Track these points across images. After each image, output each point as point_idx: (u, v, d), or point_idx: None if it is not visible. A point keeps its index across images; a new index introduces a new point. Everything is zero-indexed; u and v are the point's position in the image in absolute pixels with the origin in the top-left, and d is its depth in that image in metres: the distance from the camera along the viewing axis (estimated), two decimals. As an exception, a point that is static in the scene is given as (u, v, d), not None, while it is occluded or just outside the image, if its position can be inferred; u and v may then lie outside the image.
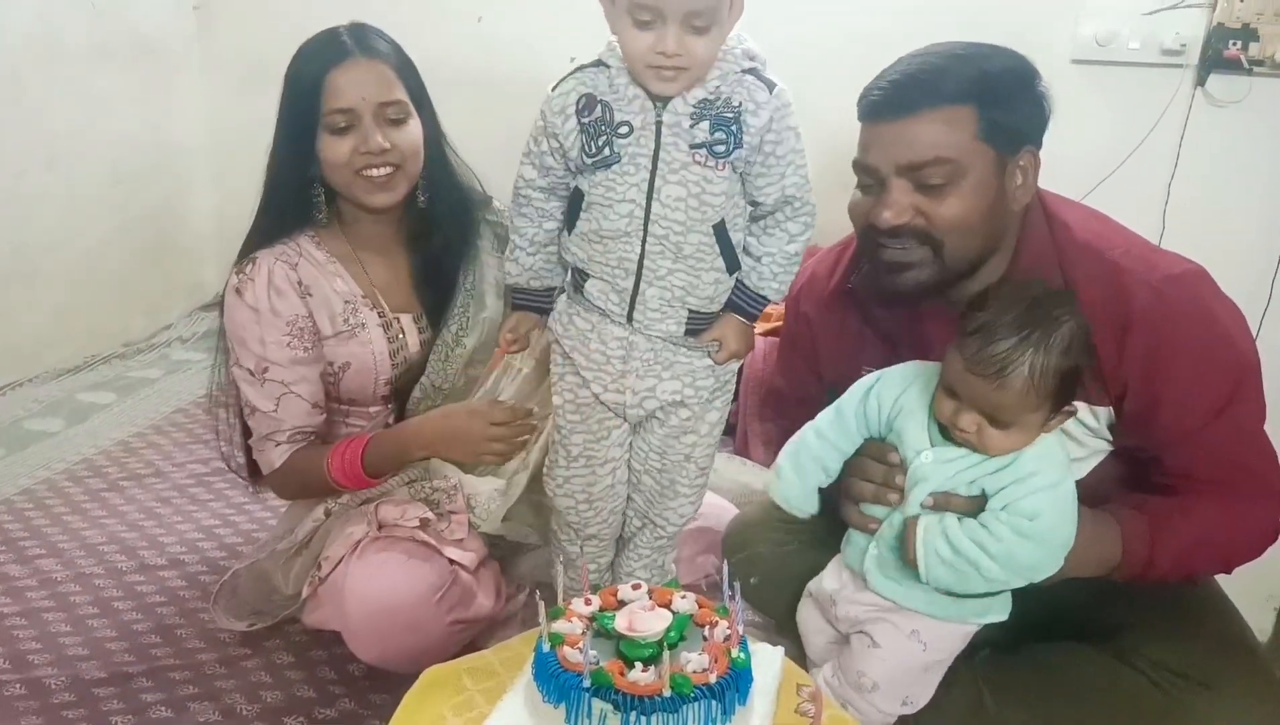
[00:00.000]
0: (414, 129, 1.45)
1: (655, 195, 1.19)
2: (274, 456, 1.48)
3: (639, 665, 0.89)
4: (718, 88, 1.17)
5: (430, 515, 1.46)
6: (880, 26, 2.38)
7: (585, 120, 1.19)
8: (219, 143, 2.96)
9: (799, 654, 1.35)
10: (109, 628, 1.58)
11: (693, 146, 1.17)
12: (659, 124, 1.17)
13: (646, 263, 1.23)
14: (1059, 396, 1.09)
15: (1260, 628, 2.43)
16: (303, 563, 1.52)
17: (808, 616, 1.34)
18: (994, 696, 1.27)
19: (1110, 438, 1.25)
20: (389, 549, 1.41)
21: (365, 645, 1.39)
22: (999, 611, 1.21)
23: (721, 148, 1.17)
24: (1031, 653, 1.29)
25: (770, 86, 1.18)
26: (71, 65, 2.51)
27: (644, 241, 1.21)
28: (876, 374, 1.25)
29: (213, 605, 1.56)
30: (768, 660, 1.01)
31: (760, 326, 2.29)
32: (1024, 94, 1.20)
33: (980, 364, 1.07)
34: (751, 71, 1.19)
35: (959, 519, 1.13)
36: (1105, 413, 1.23)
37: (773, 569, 1.47)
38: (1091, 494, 1.19)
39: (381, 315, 1.51)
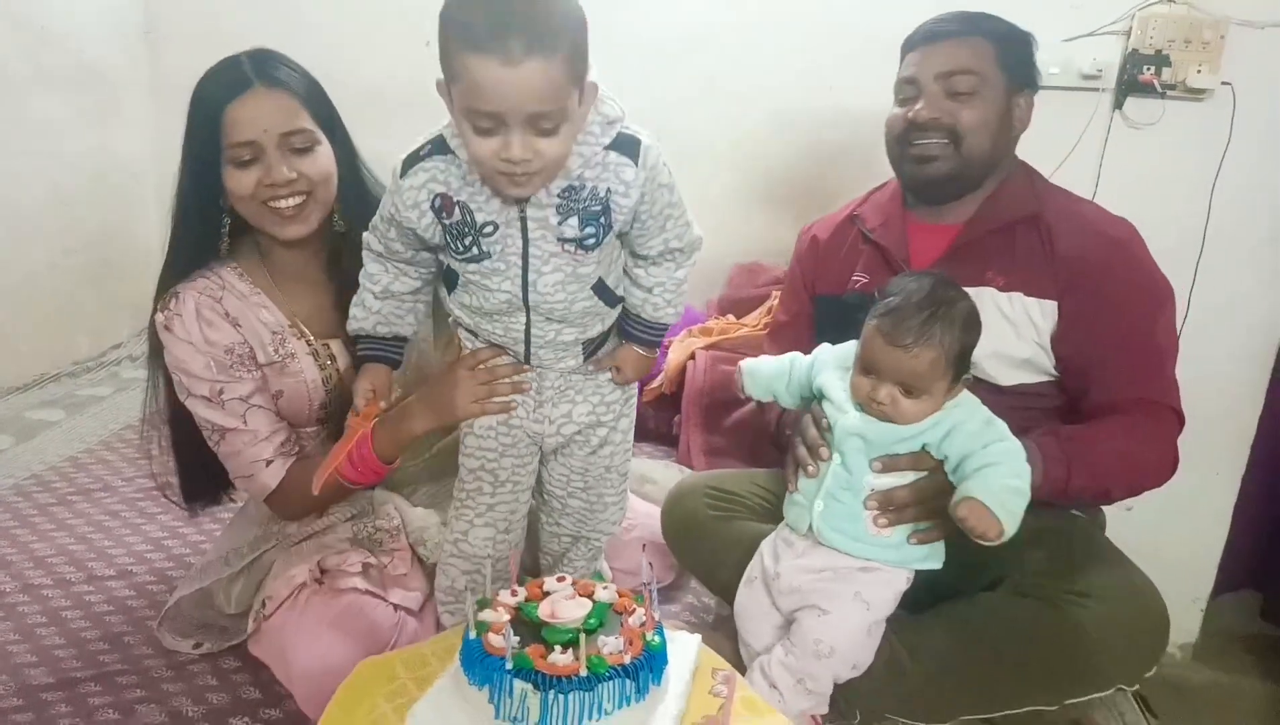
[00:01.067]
0: (322, 156, 1.42)
1: (531, 285, 1.20)
2: (268, 478, 1.45)
3: (559, 649, 0.95)
4: (581, 174, 1.13)
5: (372, 560, 1.46)
6: (793, 58, 2.50)
7: (446, 222, 1.17)
8: (166, 166, 2.97)
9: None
10: (57, 636, 1.60)
11: (561, 241, 1.17)
12: (524, 219, 1.16)
13: (534, 331, 1.26)
14: (959, 366, 1.26)
15: (1187, 628, 2.54)
16: (244, 585, 1.53)
17: (749, 602, 1.40)
18: (910, 655, 1.35)
19: (1047, 350, 1.49)
20: (331, 608, 1.38)
21: (314, 710, 1.34)
22: (935, 559, 1.32)
23: (592, 241, 1.17)
24: (938, 610, 1.39)
25: (635, 155, 1.14)
26: (17, 90, 2.51)
27: (527, 316, 1.24)
28: (826, 347, 1.42)
29: (158, 629, 1.56)
30: (684, 646, 1.07)
31: (702, 340, 2.38)
32: (1027, 48, 1.59)
33: (897, 336, 1.23)
34: (615, 145, 1.14)
35: (983, 475, 1.22)
36: (1051, 308, 1.48)
37: (709, 532, 1.56)
38: (1017, 432, 1.31)
39: (309, 343, 1.51)
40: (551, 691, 0.91)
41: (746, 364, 1.47)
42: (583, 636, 0.93)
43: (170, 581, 1.74)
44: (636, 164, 1.14)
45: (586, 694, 0.91)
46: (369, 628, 1.38)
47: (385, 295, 1.29)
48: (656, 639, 0.98)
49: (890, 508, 1.29)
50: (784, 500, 1.39)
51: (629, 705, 0.93)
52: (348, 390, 1.49)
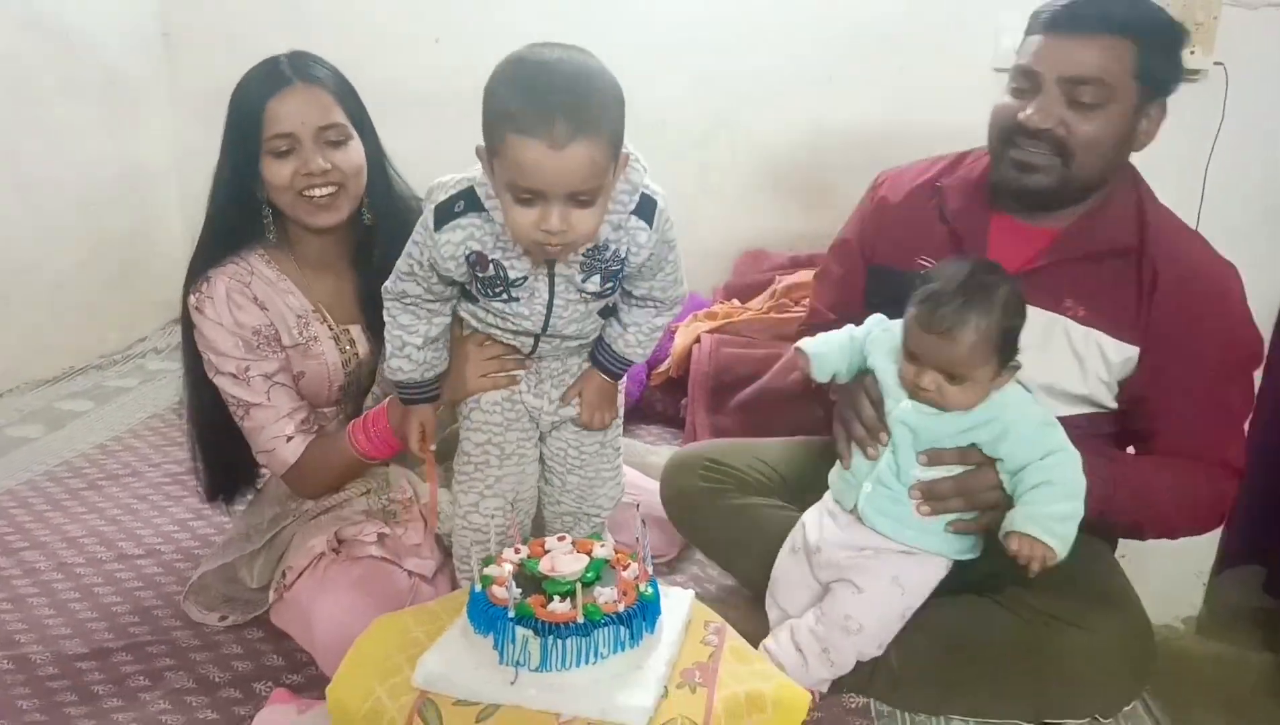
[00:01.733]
0: (354, 150, 1.51)
1: (551, 320, 1.28)
2: (287, 454, 1.53)
3: (558, 599, 1.01)
4: (606, 239, 1.20)
5: (386, 529, 1.54)
6: (799, 49, 2.55)
7: (480, 274, 1.23)
8: (186, 167, 3.05)
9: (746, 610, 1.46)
10: (90, 610, 1.67)
11: (582, 291, 1.25)
12: (552, 276, 1.24)
13: (542, 343, 1.33)
14: (1003, 351, 1.24)
15: (1190, 601, 2.57)
16: (265, 560, 1.61)
17: (789, 569, 1.41)
18: (897, 654, 1.36)
19: (1112, 387, 1.41)
20: (349, 574, 1.47)
21: (333, 668, 1.34)
22: (974, 550, 1.34)
23: (610, 291, 1.27)
24: (928, 609, 1.37)
25: (651, 218, 1.20)
26: (42, 97, 2.60)
27: (541, 335, 1.31)
28: (883, 324, 1.38)
29: (184, 601, 1.64)
30: (678, 599, 1.13)
31: (707, 324, 2.44)
32: (1175, 48, 1.38)
33: (934, 321, 1.22)
34: (636, 209, 1.19)
35: (1033, 499, 1.22)
36: (1132, 353, 1.39)
37: (702, 504, 1.57)
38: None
39: (331, 328, 1.59)
40: (551, 637, 0.97)
41: (812, 347, 1.39)
42: (579, 586, 1.00)
43: (196, 559, 1.81)
44: (651, 227, 1.20)
45: (583, 639, 0.98)
46: (387, 590, 1.46)
47: (427, 343, 1.33)
48: (650, 590, 1.04)
49: (933, 498, 1.29)
50: (831, 472, 1.39)
51: (623, 650, 1.00)
52: (365, 373, 1.60)
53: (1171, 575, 2.47)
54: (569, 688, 0.98)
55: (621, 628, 0.99)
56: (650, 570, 1.06)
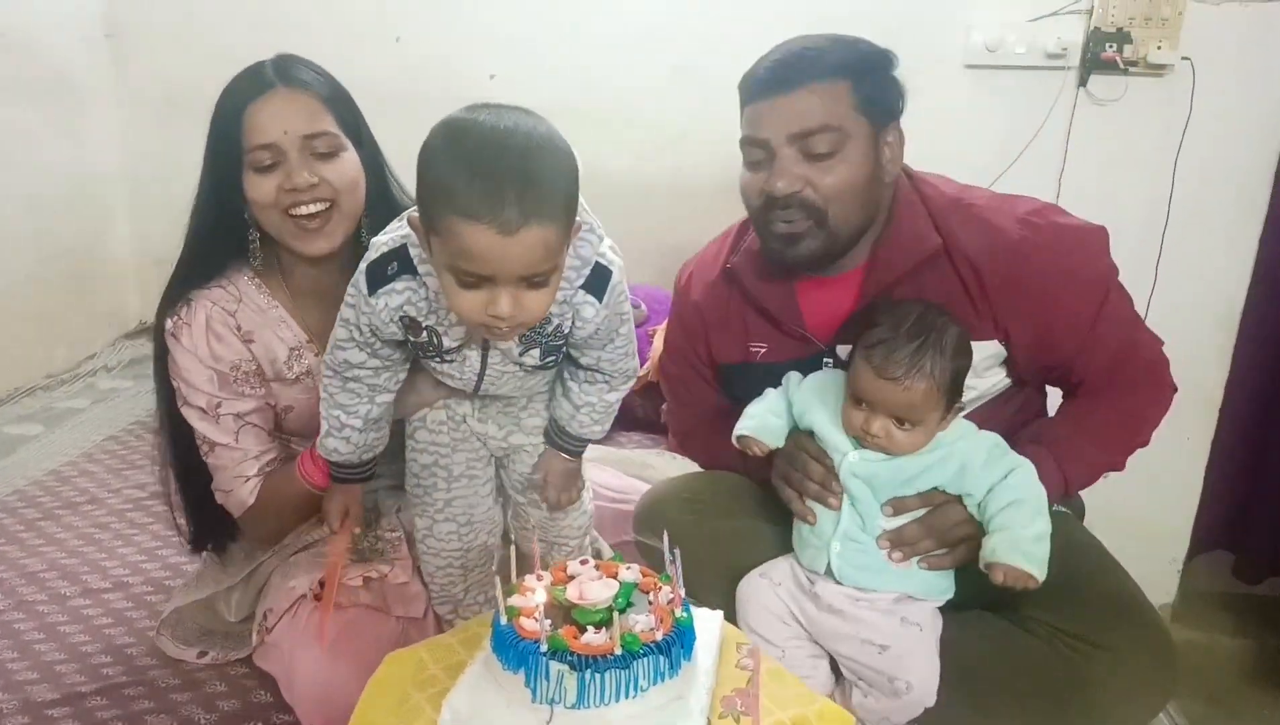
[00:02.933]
0: (347, 162, 1.36)
1: (484, 386, 1.23)
2: (244, 494, 1.42)
3: (591, 629, 0.96)
4: (549, 314, 1.11)
5: (372, 573, 1.42)
6: (776, 41, 2.52)
7: (411, 338, 1.17)
8: (136, 172, 2.94)
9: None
10: (57, 651, 1.58)
11: (519, 364, 1.19)
12: (486, 345, 1.18)
13: (484, 390, 1.26)
14: (952, 393, 1.25)
15: (1166, 589, 2.60)
16: (244, 593, 1.52)
17: (768, 600, 1.35)
18: None
19: (995, 372, 1.41)
20: (334, 622, 1.34)
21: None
22: (949, 589, 1.33)
23: (551, 362, 1.21)
24: (948, 634, 1.33)
25: (602, 293, 1.12)
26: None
27: (478, 388, 1.25)
28: (797, 375, 1.39)
29: (157, 637, 1.54)
30: (709, 621, 1.09)
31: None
32: (888, 73, 1.37)
33: (888, 368, 1.21)
34: (585, 283, 1.12)
35: (1005, 525, 1.23)
36: (994, 346, 1.38)
37: (680, 538, 1.51)
38: (1000, 429, 1.32)
39: None
40: (588, 671, 0.92)
41: (751, 426, 1.36)
42: (616, 615, 0.94)
43: (168, 591, 1.72)
44: (600, 301, 1.12)
45: (622, 672, 0.92)
46: (371, 645, 1.34)
47: (368, 425, 1.25)
48: (685, 615, 0.99)
49: (903, 543, 1.28)
50: (794, 539, 1.36)
51: (663, 681, 0.95)
52: None
53: (1146, 562, 2.49)
54: (609, 724, 0.93)
55: (661, 657, 0.94)
56: (682, 593, 1.01)
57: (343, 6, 2.69)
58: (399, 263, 1.10)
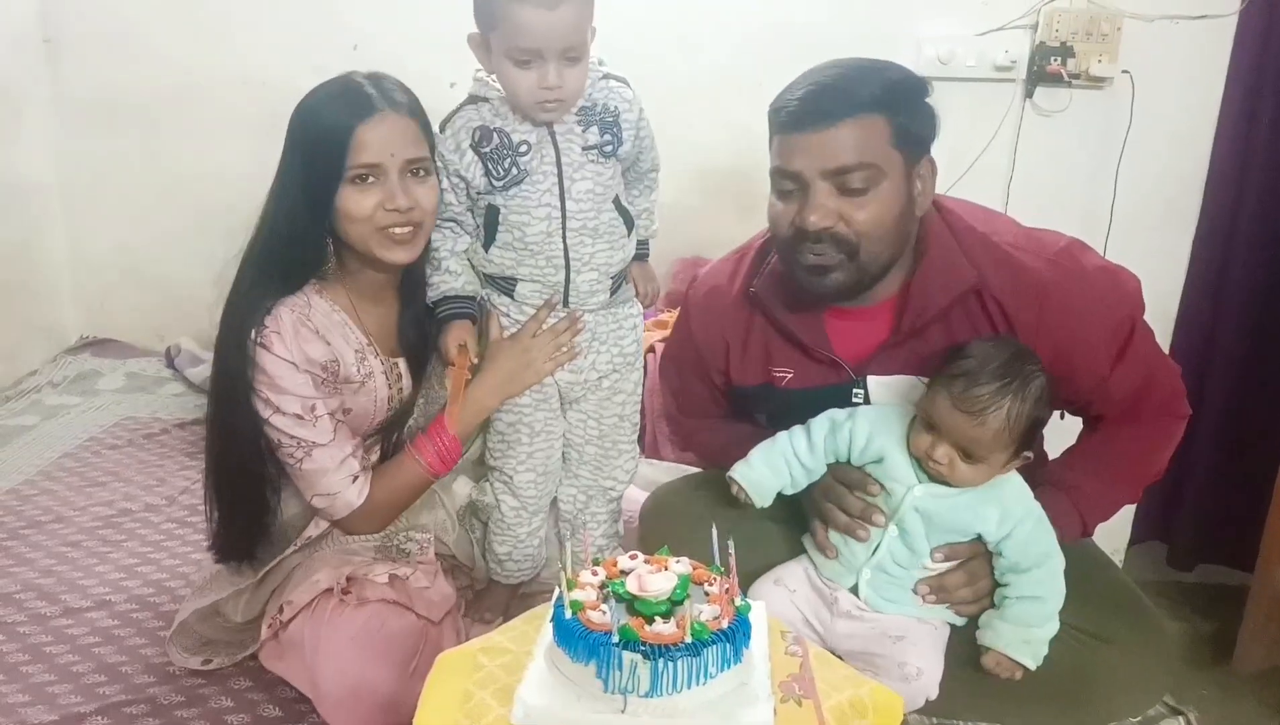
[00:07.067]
0: (434, 187, 1.42)
1: (567, 194, 1.40)
2: (352, 495, 1.44)
3: (657, 620, 0.98)
4: (591, 95, 1.40)
5: (398, 572, 1.45)
6: (727, 56, 2.58)
7: (485, 150, 1.38)
8: (71, 180, 2.85)
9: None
10: (47, 673, 1.53)
11: (585, 148, 1.40)
12: (553, 134, 1.39)
13: (572, 253, 1.42)
14: (1024, 441, 1.27)
15: (1108, 578, 2.73)
16: (254, 593, 1.51)
17: (779, 604, 1.37)
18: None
19: None
20: (356, 619, 1.38)
21: (341, 721, 1.37)
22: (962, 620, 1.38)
23: (609, 147, 1.42)
24: (957, 634, 1.38)
25: (625, 82, 1.44)
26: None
27: (565, 236, 1.40)
28: (849, 411, 1.37)
29: (168, 644, 1.53)
30: (756, 610, 1.11)
31: (659, 333, 2.43)
32: (922, 104, 1.34)
33: (966, 401, 1.23)
34: (606, 75, 1.42)
35: (1013, 616, 1.29)
36: None
37: (688, 538, 1.52)
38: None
39: (383, 362, 1.50)
40: (661, 660, 0.94)
41: (744, 477, 1.38)
42: (687, 604, 0.97)
43: (154, 607, 1.69)
44: (630, 88, 1.44)
45: (693, 660, 0.95)
46: (393, 639, 1.38)
47: (453, 255, 1.47)
48: (745, 603, 1.02)
49: (943, 590, 1.32)
50: (813, 550, 1.40)
51: (729, 669, 0.97)
52: (403, 408, 1.53)
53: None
54: (681, 711, 0.95)
55: (728, 645, 0.97)
56: (737, 583, 1.04)
57: (294, 13, 2.65)
58: (463, 102, 1.42)
